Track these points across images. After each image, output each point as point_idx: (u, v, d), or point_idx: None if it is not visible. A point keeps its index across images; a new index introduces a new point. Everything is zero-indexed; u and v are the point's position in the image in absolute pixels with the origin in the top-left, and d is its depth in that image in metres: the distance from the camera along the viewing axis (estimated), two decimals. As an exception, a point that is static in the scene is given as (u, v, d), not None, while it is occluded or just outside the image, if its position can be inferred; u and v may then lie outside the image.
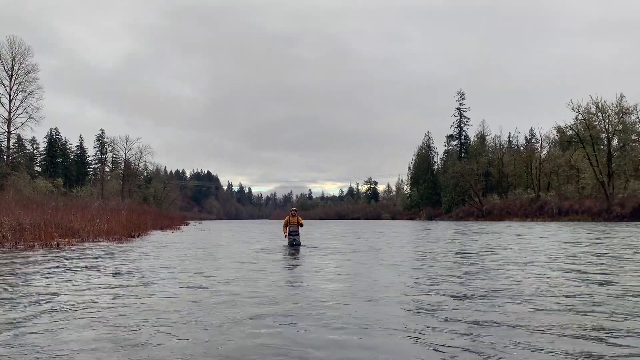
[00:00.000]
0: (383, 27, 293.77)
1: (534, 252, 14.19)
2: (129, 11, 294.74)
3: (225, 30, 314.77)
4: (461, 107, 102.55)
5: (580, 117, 64.49)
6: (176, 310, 6.06)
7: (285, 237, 18.07)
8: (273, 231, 35.15)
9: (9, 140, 57.08)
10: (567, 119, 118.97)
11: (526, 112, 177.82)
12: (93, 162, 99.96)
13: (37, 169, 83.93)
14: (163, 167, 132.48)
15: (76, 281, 8.92)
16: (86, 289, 7.94)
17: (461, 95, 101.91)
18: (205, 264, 11.65)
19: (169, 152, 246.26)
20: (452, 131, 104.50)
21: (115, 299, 7.00)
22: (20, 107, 55.82)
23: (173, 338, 4.79)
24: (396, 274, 9.55)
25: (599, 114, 62.59)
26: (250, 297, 6.97)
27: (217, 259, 13.02)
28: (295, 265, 11.39)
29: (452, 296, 7.01)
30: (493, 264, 11.22)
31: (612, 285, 7.92)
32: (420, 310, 6.02)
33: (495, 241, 19.99)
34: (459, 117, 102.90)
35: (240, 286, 8.02)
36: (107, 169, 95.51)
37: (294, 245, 17.81)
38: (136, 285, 8.15)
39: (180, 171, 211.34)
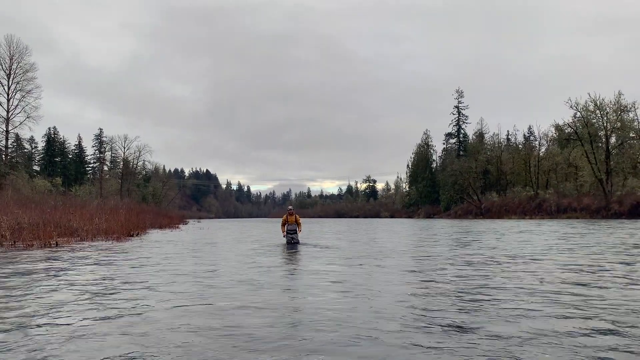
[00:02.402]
0: (378, 27, 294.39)
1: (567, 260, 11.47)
2: (126, 11, 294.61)
3: (223, 30, 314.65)
4: (460, 105, 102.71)
5: (578, 114, 64.66)
6: (148, 330, 5.12)
7: (284, 236, 18.12)
8: (271, 230, 35.16)
9: (7, 139, 57.04)
10: (566, 116, 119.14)
11: (525, 110, 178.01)
12: (92, 161, 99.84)
13: (36, 168, 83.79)
14: (162, 166, 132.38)
15: (56, 287, 8.85)
16: (69, 294, 7.75)
17: (460, 94, 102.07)
18: (199, 267, 10.88)
19: (168, 152, 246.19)
20: (451, 129, 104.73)
21: (95, 309, 6.46)
22: (19, 106, 55.90)
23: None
24: (405, 288, 7.80)
25: (597, 111, 62.68)
26: (234, 322, 5.49)
27: (212, 261, 12.46)
28: (292, 273, 10.02)
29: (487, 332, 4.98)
30: (524, 275, 9.08)
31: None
32: (441, 345, 4.55)
33: (509, 244, 17.45)
34: (457, 115, 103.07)
35: (227, 302, 6.69)
36: (105, 168, 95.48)
37: (292, 243, 17.85)
38: (119, 294, 7.38)
39: (179, 170, 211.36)
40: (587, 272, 9.48)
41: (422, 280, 8.69)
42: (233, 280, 8.72)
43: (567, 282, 8.24)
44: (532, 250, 14.56)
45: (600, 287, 7.62)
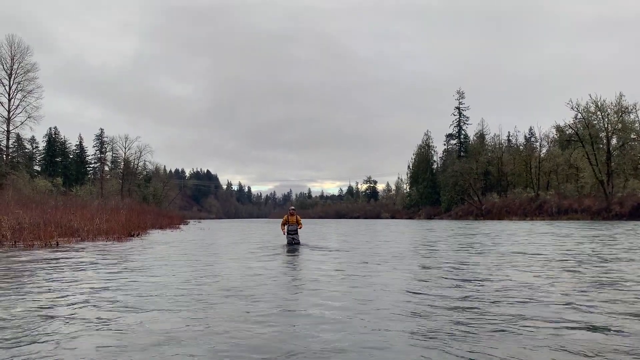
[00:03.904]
0: (378, 27, 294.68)
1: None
2: (126, 11, 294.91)
3: (224, 30, 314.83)
4: (460, 106, 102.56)
5: (579, 116, 64.67)
6: (134, 343, 4.72)
7: (284, 234, 18.12)
8: (272, 231, 35.10)
9: (8, 139, 57.07)
10: (567, 117, 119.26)
11: (525, 111, 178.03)
12: (92, 162, 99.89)
13: (37, 168, 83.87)
14: (162, 166, 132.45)
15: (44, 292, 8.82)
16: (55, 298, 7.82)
17: (460, 95, 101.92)
18: (197, 273, 10.23)
19: (168, 151, 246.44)
20: (452, 130, 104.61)
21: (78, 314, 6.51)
22: (20, 106, 55.96)
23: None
24: (413, 300, 6.88)
25: (598, 112, 62.63)
26: (226, 338, 4.89)
27: (211, 266, 11.88)
28: (292, 281, 9.05)
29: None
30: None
31: None
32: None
33: (520, 247, 16.26)
34: (458, 116, 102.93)
35: (222, 314, 5.99)
36: (106, 168, 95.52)
37: (292, 244, 17.83)
38: (110, 299, 7.01)
39: (180, 170, 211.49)
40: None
41: (443, 292, 7.45)
42: (230, 290, 7.89)
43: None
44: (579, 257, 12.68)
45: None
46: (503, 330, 5.17)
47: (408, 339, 4.88)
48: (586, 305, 6.43)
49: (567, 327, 5.27)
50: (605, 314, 5.93)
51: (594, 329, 5.20)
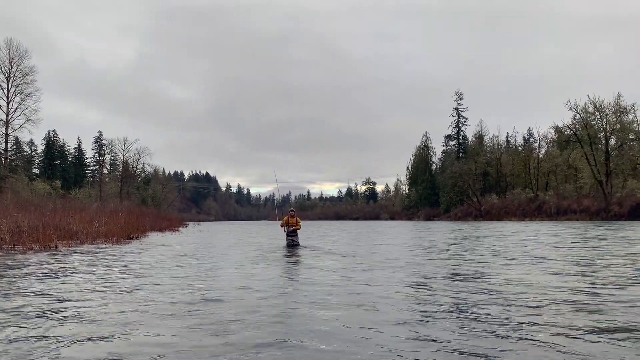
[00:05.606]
0: (378, 27, 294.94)
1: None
2: (126, 13, 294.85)
3: (223, 31, 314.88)
4: (459, 107, 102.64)
5: (578, 116, 64.68)
6: None
7: (284, 231, 18.13)
8: (271, 233, 35.03)
9: (6, 142, 57.05)
10: (565, 118, 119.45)
11: (524, 111, 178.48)
12: (91, 164, 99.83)
13: (35, 171, 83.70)
14: (161, 169, 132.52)
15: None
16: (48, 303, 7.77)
17: (459, 96, 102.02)
18: (192, 276, 9.72)
19: (168, 152, 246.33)
20: (450, 131, 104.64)
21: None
22: (18, 109, 55.95)
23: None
24: (419, 313, 5.96)
25: (597, 113, 62.70)
26: None
27: (208, 269, 11.39)
28: (292, 285, 8.53)
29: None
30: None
31: None
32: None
33: (530, 249, 14.88)
34: (456, 117, 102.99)
35: (216, 323, 5.49)
36: (105, 170, 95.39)
37: (292, 245, 17.84)
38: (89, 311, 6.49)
39: (179, 172, 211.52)
40: None
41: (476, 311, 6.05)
42: (224, 303, 6.82)
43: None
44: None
45: None
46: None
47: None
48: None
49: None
50: None
51: None
